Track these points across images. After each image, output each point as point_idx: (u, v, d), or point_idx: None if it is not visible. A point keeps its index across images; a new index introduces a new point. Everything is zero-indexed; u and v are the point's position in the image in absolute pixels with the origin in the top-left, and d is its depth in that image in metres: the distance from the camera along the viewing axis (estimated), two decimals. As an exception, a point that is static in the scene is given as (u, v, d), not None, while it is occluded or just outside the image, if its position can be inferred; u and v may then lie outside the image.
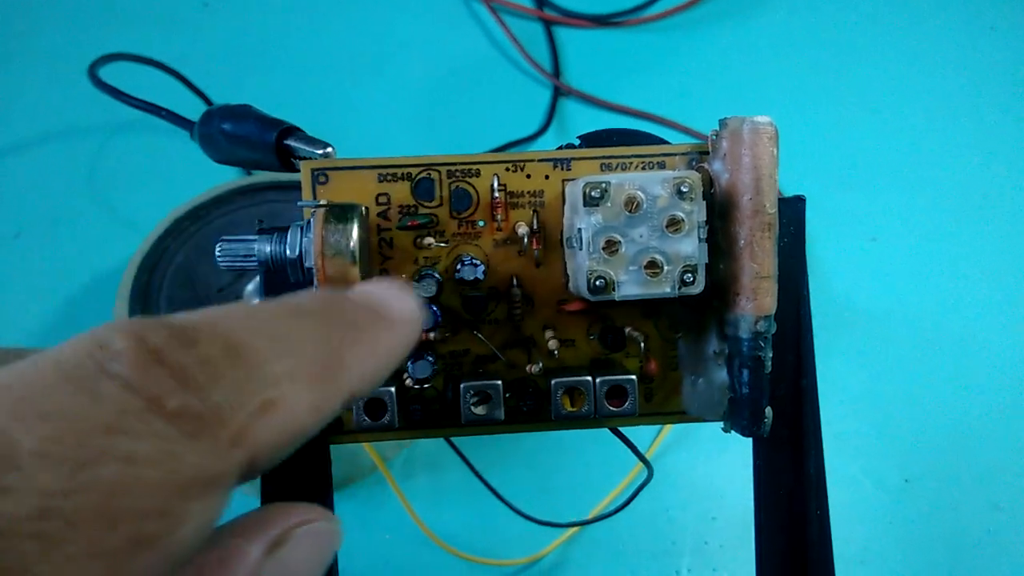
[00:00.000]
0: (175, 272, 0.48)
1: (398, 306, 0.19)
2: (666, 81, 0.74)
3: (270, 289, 0.26)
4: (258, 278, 0.47)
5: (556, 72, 0.74)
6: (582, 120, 0.71)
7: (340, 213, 0.24)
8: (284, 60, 0.74)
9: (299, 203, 0.25)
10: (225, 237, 0.24)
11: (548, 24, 0.77)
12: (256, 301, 0.29)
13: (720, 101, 0.73)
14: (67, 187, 0.66)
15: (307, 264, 0.23)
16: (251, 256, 0.24)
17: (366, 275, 0.25)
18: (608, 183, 0.24)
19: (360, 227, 0.24)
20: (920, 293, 0.61)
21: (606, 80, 0.73)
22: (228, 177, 0.59)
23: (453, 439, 0.41)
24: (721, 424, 0.28)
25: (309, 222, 0.24)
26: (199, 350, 0.15)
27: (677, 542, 0.49)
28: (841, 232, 0.64)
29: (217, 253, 0.24)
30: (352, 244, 0.23)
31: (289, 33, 0.76)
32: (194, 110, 0.37)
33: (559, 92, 0.72)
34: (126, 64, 0.55)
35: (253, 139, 0.30)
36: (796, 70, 0.75)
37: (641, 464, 0.50)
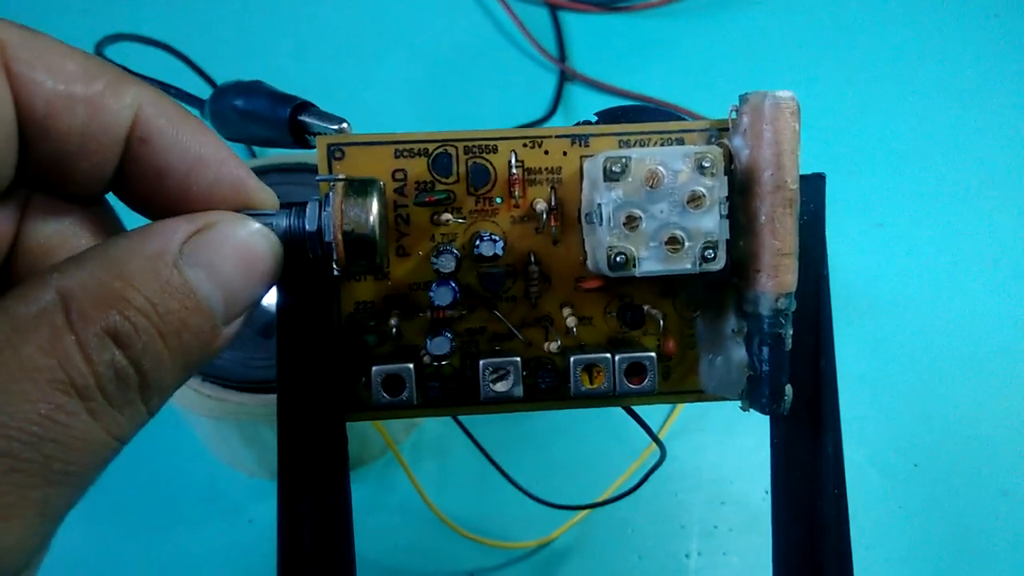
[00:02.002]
0: (183, 255, 0.47)
1: None
2: (672, 66, 0.74)
3: (286, 265, 0.26)
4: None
5: (562, 57, 0.73)
6: (589, 105, 0.71)
7: (360, 187, 0.23)
8: (286, 45, 0.74)
9: (317, 177, 0.25)
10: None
11: (554, 9, 0.76)
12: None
13: (725, 86, 0.73)
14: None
15: (326, 238, 0.23)
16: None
17: (383, 254, 0.25)
18: (629, 158, 0.24)
19: (380, 201, 0.24)
20: (927, 279, 0.60)
21: (612, 65, 0.73)
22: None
23: (463, 422, 0.41)
24: (739, 404, 0.28)
25: (328, 196, 0.23)
26: None
27: (686, 526, 0.49)
28: (848, 218, 0.64)
29: (236, 228, 0.24)
30: (372, 218, 0.23)
31: (292, 17, 0.76)
32: (198, 92, 0.37)
33: (565, 77, 0.72)
34: (131, 45, 0.55)
35: (266, 115, 0.29)
36: (801, 57, 0.75)
37: (650, 448, 0.50)
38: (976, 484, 0.51)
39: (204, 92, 0.36)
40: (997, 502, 0.50)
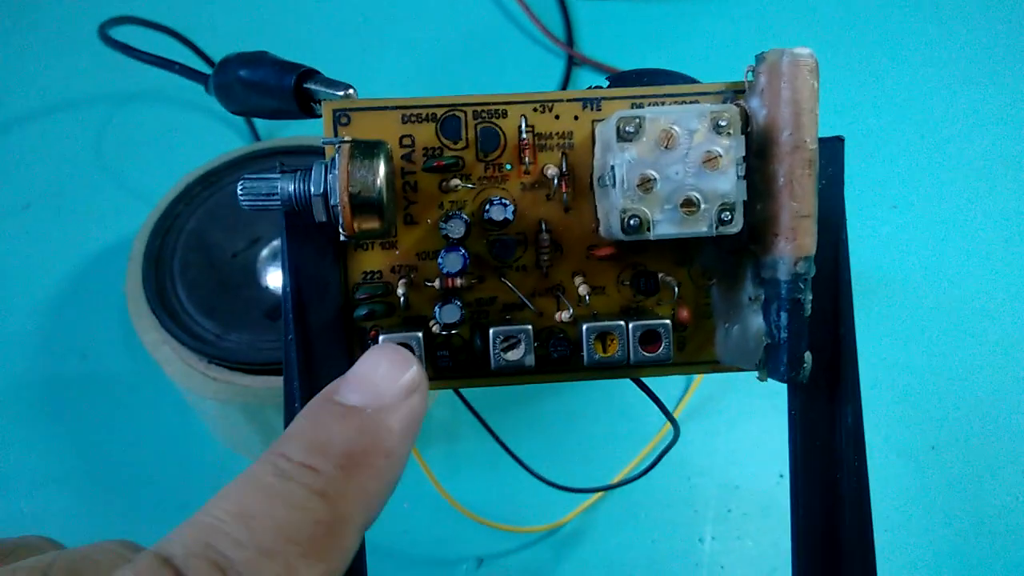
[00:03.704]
0: (188, 237, 0.47)
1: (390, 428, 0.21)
2: (680, 50, 0.73)
3: (291, 233, 0.26)
4: (274, 243, 0.47)
5: (570, 42, 0.73)
6: (596, 89, 0.70)
7: (366, 149, 0.23)
8: (291, 25, 0.73)
9: (323, 140, 0.24)
10: (247, 176, 0.23)
11: (560, -7, 0.75)
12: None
13: (734, 70, 0.72)
14: (75, 158, 0.65)
15: (332, 201, 0.23)
16: (274, 195, 0.23)
17: (390, 218, 0.24)
18: (643, 117, 0.23)
19: (386, 163, 0.23)
20: (942, 259, 0.60)
21: (620, 50, 0.72)
22: (237, 144, 0.58)
23: (473, 404, 0.40)
24: (755, 375, 0.27)
25: (334, 159, 0.23)
26: None
27: (700, 510, 0.48)
28: (861, 200, 0.63)
29: (239, 192, 0.23)
30: (379, 180, 0.23)
31: (296, 1, 0.75)
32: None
33: (573, 61, 0.71)
34: (134, 29, 0.55)
35: (271, 84, 0.29)
36: (812, 39, 0.74)
37: (663, 431, 0.49)
38: (995, 466, 0.50)
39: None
40: (1017, 484, 0.49)
